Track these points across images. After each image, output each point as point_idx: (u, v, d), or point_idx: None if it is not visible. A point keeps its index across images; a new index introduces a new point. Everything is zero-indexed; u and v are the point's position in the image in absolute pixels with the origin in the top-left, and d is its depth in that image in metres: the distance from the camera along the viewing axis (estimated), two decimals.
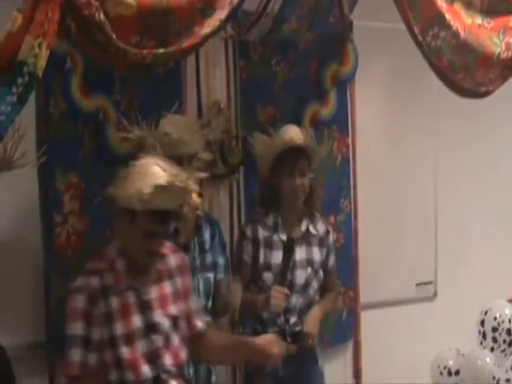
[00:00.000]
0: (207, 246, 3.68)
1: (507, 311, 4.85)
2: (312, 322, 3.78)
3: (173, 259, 3.17)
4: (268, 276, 3.74)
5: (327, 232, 3.95)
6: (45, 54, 2.55)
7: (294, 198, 3.80)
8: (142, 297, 3.02)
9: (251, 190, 4.30)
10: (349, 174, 4.69)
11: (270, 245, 3.78)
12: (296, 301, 3.78)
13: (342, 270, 4.63)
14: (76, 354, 2.93)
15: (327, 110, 4.51)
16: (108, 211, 3.70)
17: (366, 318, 4.81)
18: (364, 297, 4.79)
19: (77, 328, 2.93)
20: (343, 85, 4.61)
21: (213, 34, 3.17)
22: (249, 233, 3.79)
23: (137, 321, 2.99)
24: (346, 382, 4.83)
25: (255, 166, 4.23)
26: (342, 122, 4.63)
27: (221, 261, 3.75)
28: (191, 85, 4.13)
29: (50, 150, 3.65)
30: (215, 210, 4.21)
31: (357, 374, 4.85)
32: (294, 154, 3.76)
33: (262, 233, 3.78)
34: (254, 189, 4.28)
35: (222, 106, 4.19)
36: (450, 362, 4.88)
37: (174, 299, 3.10)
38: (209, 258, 3.69)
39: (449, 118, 4.99)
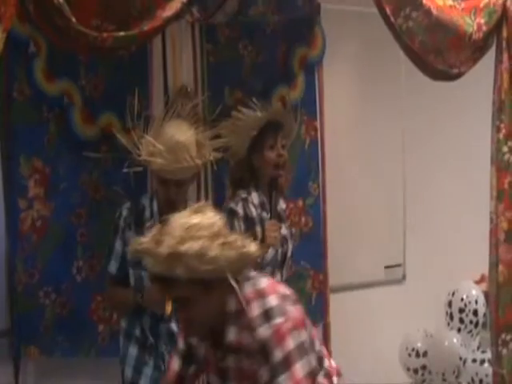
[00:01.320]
0: None
1: (474, 292, 4.87)
2: None
3: None
4: (268, 252, 3.72)
5: (285, 208, 4.08)
6: (1, 37, 2.51)
7: (278, 174, 3.81)
8: None
9: (219, 173, 4.29)
10: (317, 158, 4.68)
11: (262, 222, 3.75)
12: (285, 273, 3.86)
13: (311, 254, 4.67)
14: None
15: (295, 94, 4.49)
16: (72, 197, 3.72)
17: (336, 301, 4.82)
18: (333, 280, 4.79)
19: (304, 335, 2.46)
20: (311, 68, 4.60)
21: (176, 16, 3.16)
22: (240, 211, 3.73)
23: None
24: None
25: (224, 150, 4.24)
26: (310, 105, 4.61)
27: None
28: (158, 69, 4.10)
29: (13, 136, 3.65)
30: None
31: None
32: (275, 128, 3.79)
33: (254, 210, 3.76)
34: (222, 172, 4.28)
35: (188, 89, 4.16)
36: (418, 344, 4.90)
37: None
38: None
39: (417, 101, 5.01)
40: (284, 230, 3.85)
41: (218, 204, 4.23)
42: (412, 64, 3.71)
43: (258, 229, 3.73)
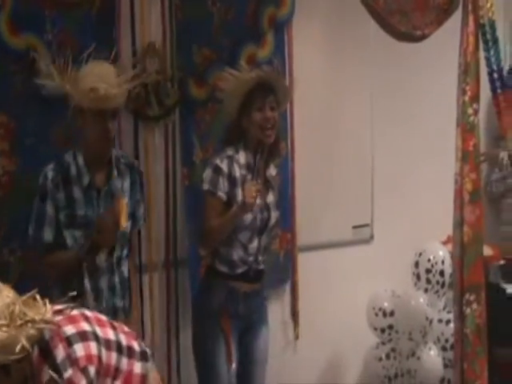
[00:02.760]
0: (126, 194, 3.57)
1: (441, 253, 4.91)
2: None
3: None
4: (246, 216, 3.70)
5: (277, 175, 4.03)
6: None
7: (266, 136, 3.74)
8: None
9: (187, 133, 4.28)
10: (285, 117, 4.66)
11: (244, 184, 3.69)
12: (265, 240, 3.86)
13: (279, 213, 4.67)
14: None
15: (264, 52, 4.48)
16: (40, 152, 3.68)
17: (303, 260, 4.85)
18: (301, 239, 4.82)
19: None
20: (281, 27, 4.59)
21: None
22: (225, 168, 3.69)
23: None
24: (283, 325, 4.88)
25: (191, 107, 4.23)
26: (279, 64, 4.57)
27: (140, 211, 3.68)
28: (126, 25, 4.06)
29: None
30: (150, 153, 4.18)
31: (294, 315, 4.90)
32: (264, 90, 3.75)
33: (238, 170, 3.71)
34: (191, 131, 4.27)
35: (156, 46, 4.13)
36: (385, 304, 4.94)
37: None
38: (127, 208, 3.53)
39: (385, 58, 5.00)
40: (270, 197, 3.84)
41: (186, 162, 4.25)
42: None
43: (239, 190, 3.69)
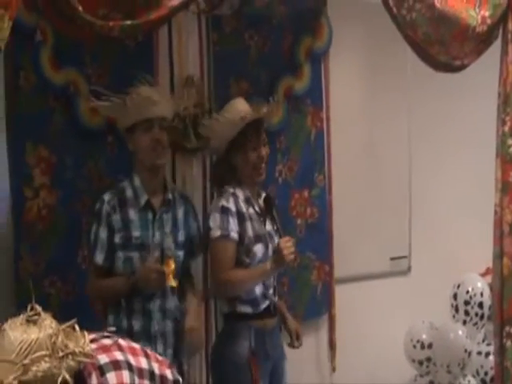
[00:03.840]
0: (180, 223, 3.62)
1: (479, 285, 4.87)
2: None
3: None
4: (258, 248, 3.61)
5: None
6: (7, 25, 2.50)
7: (259, 174, 3.68)
8: None
9: None
10: (323, 148, 4.69)
11: (251, 217, 3.64)
12: None
13: (317, 244, 4.69)
14: None
15: (301, 84, 4.51)
16: (78, 186, 3.72)
17: (341, 292, 4.83)
18: (338, 271, 4.81)
19: None
20: (317, 58, 4.61)
21: (182, 6, 3.16)
22: (232, 207, 3.58)
23: None
24: (319, 356, 4.86)
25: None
26: (316, 95, 4.62)
27: (196, 241, 3.70)
28: (164, 58, 4.09)
29: (19, 124, 3.66)
30: (188, 185, 4.20)
31: (331, 347, 4.88)
32: (256, 127, 3.66)
33: (243, 206, 3.63)
34: None
35: (194, 79, 4.16)
36: (423, 336, 4.91)
37: None
38: (181, 237, 3.61)
39: (423, 91, 5.00)
40: (268, 226, 3.72)
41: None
42: None
43: (249, 224, 3.61)
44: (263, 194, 3.78)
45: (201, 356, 4.17)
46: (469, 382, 4.83)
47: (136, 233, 3.49)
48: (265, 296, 3.67)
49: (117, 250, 3.49)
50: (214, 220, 3.56)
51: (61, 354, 2.22)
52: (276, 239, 3.68)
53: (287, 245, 3.49)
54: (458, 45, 3.69)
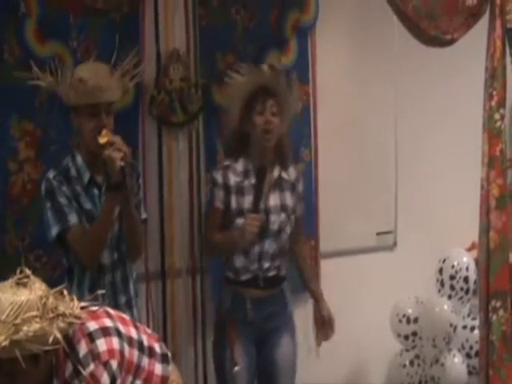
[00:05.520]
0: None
1: (465, 259, 4.89)
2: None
3: None
4: (240, 222, 3.71)
5: (298, 178, 3.95)
6: None
7: (265, 139, 3.74)
8: None
9: (211, 139, 4.28)
10: (309, 123, 4.67)
11: (241, 190, 3.75)
12: (269, 246, 3.80)
13: (302, 218, 4.66)
14: None
15: (288, 58, 4.48)
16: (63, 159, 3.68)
17: (327, 267, 4.83)
18: (324, 246, 4.80)
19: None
20: (304, 33, 4.57)
21: None
22: (220, 179, 3.75)
23: None
24: (306, 331, 4.85)
25: (215, 113, 4.23)
26: (302, 70, 4.58)
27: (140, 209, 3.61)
28: (150, 32, 4.07)
29: (4, 97, 3.63)
30: (174, 159, 4.19)
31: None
32: (264, 93, 3.73)
33: (232, 179, 3.74)
34: (214, 137, 4.27)
35: (180, 53, 4.13)
36: (409, 310, 4.92)
37: None
38: None
39: (410, 64, 4.95)
40: (271, 201, 3.78)
41: (210, 168, 4.24)
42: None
43: (233, 197, 3.74)
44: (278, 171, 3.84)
45: None
46: (454, 355, 4.84)
47: (87, 205, 3.43)
48: (245, 268, 3.78)
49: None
50: (209, 187, 3.89)
51: (51, 314, 2.25)
52: (275, 216, 3.78)
53: (251, 222, 3.63)
54: (448, 19, 3.70)
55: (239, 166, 3.77)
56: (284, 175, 3.87)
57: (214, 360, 3.90)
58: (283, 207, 3.84)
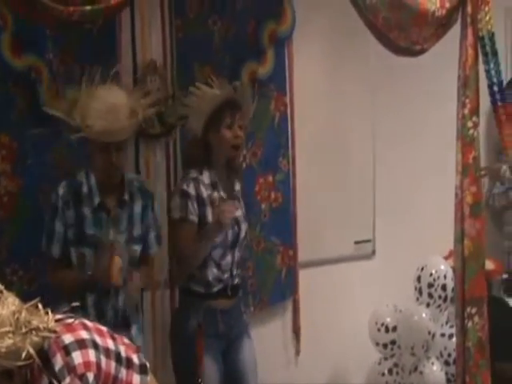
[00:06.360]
0: (137, 218, 3.61)
1: (442, 267, 4.90)
2: None
3: None
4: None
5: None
6: None
7: (235, 155, 3.81)
8: None
9: None
10: (287, 133, 4.70)
11: (214, 203, 3.73)
12: (238, 254, 3.85)
13: (281, 229, 4.70)
14: None
15: (265, 69, 4.49)
16: (40, 173, 3.69)
17: (305, 276, 4.85)
18: (303, 255, 4.83)
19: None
20: (281, 43, 4.60)
21: None
22: (192, 191, 3.70)
23: None
24: (285, 341, 4.88)
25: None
26: (279, 80, 4.63)
27: (151, 235, 3.70)
28: (126, 44, 4.07)
29: None
30: (151, 171, 4.19)
31: (296, 332, 4.90)
32: (233, 107, 3.76)
33: (204, 191, 3.73)
34: None
35: (157, 64, 4.15)
36: (388, 319, 4.93)
37: None
38: (137, 231, 3.61)
39: (387, 74, 5.01)
40: (238, 212, 3.81)
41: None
42: None
43: (209, 209, 3.72)
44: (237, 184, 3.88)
45: None
46: (432, 363, 4.86)
47: (90, 231, 3.49)
48: (218, 279, 3.78)
49: (69, 245, 3.49)
50: (175, 202, 3.74)
51: (24, 329, 2.23)
52: (244, 225, 3.84)
53: (228, 209, 3.61)
54: (418, 30, 3.72)
55: (205, 178, 3.76)
56: (238, 187, 3.93)
57: (175, 371, 3.83)
58: (245, 217, 3.92)
